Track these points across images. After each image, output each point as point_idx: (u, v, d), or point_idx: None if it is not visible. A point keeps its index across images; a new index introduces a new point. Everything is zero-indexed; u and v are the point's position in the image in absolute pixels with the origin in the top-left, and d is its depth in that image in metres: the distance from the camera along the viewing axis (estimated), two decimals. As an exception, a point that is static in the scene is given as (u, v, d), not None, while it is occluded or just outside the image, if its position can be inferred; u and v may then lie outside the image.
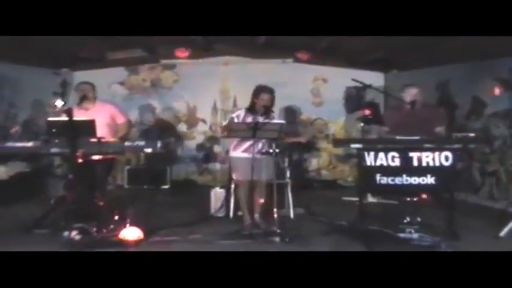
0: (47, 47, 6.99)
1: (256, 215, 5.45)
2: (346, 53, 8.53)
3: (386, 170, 4.69)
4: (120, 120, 5.72)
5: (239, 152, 5.45)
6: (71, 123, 4.49)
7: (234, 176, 5.67)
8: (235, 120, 5.41)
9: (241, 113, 5.49)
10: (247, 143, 5.34)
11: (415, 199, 4.97)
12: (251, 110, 5.45)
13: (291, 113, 9.36)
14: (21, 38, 4.78)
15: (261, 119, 5.27)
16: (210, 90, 9.47)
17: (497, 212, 5.97)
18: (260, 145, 5.43)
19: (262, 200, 5.46)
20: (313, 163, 9.67)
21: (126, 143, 4.99)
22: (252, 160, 5.05)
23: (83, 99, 5.42)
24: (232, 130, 5.24)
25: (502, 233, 4.82)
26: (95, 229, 4.70)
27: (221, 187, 6.40)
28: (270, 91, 5.47)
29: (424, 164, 4.63)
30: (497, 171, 7.14)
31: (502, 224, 4.90)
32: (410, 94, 5.35)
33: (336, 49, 8.20)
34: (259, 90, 5.47)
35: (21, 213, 5.83)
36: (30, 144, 4.85)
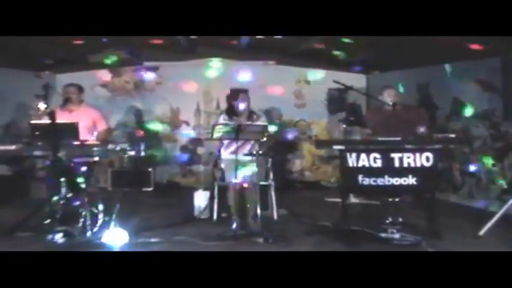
0: (29, 49, 6.93)
1: (250, 217, 5.37)
2: (328, 55, 8.57)
3: (368, 171, 4.73)
4: (101, 126, 5.72)
5: (227, 153, 5.47)
6: (54, 125, 4.48)
7: (226, 178, 5.64)
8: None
9: (225, 117, 5.51)
10: (234, 146, 5.32)
11: (396, 199, 5.03)
12: (231, 113, 5.46)
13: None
14: (1, 39, 4.76)
15: (244, 121, 5.28)
16: (193, 92, 9.47)
17: (477, 211, 6.05)
18: (249, 147, 5.44)
19: (254, 202, 5.40)
20: (296, 164, 9.69)
21: (110, 146, 4.99)
22: (237, 162, 5.09)
23: (67, 101, 5.41)
24: (216, 132, 5.22)
25: (482, 232, 4.90)
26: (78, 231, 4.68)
27: (204, 189, 6.37)
28: (245, 91, 5.55)
29: (405, 164, 4.69)
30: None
31: (482, 224, 4.98)
32: (390, 95, 5.41)
33: (317, 51, 8.23)
34: (235, 91, 5.53)
35: (3, 216, 5.77)
36: (13, 147, 4.83)
